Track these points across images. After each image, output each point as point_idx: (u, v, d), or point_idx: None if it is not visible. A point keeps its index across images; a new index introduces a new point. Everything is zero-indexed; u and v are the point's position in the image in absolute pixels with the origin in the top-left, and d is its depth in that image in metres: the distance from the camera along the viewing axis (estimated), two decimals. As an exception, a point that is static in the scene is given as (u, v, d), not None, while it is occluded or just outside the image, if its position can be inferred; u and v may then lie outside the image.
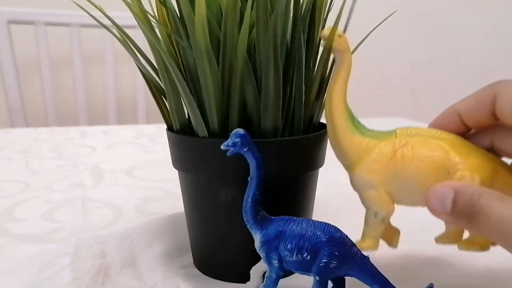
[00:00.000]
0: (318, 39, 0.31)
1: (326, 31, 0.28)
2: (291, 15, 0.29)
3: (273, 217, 0.26)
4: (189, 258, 0.34)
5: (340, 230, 0.25)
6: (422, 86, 1.63)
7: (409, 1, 1.50)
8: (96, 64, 1.25)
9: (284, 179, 0.29)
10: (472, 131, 0.29)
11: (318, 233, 0.25)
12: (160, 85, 0.32)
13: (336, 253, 0.25)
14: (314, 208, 0.33)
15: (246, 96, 0.28)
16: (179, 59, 0.30)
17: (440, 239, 0.29)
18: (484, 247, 0.27)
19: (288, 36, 0.29)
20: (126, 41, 0.30)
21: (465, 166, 0.26)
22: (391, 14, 0.31)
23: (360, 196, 0.28)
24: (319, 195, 0.33)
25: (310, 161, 0.30)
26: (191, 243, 0.34)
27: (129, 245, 0.36)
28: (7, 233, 0.40)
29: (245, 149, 0.25)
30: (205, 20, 0.25)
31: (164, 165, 0.63)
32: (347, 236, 0.25)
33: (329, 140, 0.29)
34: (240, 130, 0.25)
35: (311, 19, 0.30)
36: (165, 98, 0.32)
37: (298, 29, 0.28)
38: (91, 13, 0.32)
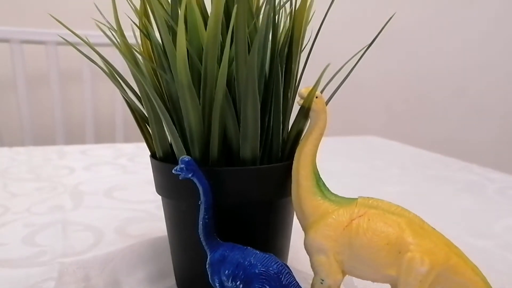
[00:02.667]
0: (295, 71, 0.33)
1: (303, 90, 0.29)
2: (269, 48, 0.31)
3: (222, 242, 0.28)
4: (171, 281, 0.35)
5: (283, 265, 0.25)
6: (397, 104, 1.68)
7: (384, 19, 1.56)
8: (73, 83, 1.25)
9: (262, 205, 0.31)
10: None
11: (255, 264, 0.25)
12: (143, 113, 0.33)
13: (267, 287, 0.25)
14: (292, 232, 0.34)
15: (226, 126, 0.29)
16: (163, 89, 0.32)
17: None
18: None
19: (267, 68, 0.31)
20: (112, 72, 0.32)
21: (417, 248, 0.26)
22: (367, 47, 0.33)
23: (310, 260, 0.28)
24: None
25: (288, 187, 0.31)
26: (174, 266, 0.35)
27: (112, 270, 0.37)
28: (-13, 258, 0.40)
29: (190, 175, 0.27)
30: (186, 58, 0.26)
31: (144, 186, 0.64)
32: (289, 273, 0.25)
33: (292, 198, 0.30)
34: (185, 157, 0.27)
35: (289, 51, 0.32)
36: (149, 126, 0.34)
37: (275, 62, 0.30)
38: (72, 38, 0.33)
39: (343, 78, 0.33)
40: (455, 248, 0.27)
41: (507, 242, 0.45)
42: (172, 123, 0.29)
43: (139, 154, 0.84)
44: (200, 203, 0.28)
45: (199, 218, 0.28)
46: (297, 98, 0.30)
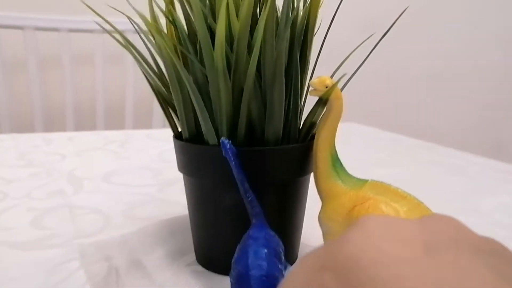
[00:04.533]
0: (309, 57, 0.35)
1: (315, 81, 0.31)
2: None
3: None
4: (192, 257, 0.37)
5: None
6: (370, 91, 1.73)
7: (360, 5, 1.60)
8: (52, 68, 1.22)
9: (283, 184, 0.33)
10: None
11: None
12: (167, 95, 0.35)
13: None
14: (309, 210, 0.36)
15: (252, 109, 0.31)
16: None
17: None
18: None
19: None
20: (135, 55, 0.33)
21: None
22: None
23: (322, 235, 0.31)
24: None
25: (305, 166, 0.34)
26: (194, 244, 0.36)
27: (130, 251, 0.38)
28: None
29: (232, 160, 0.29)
30: (224, 44, 0.28)
31: (141, 171, 0.64)
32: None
33: (313, 177, 0.32)
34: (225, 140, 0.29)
35: (304, 38, 0.34)
36: (170, 108, 0.35)
37: (295, 50, 0.32)
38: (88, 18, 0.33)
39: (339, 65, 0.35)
40: None
41: (496, 219, 0.49)
42: (204, 106, 0.30)
43: (128, 140, 0.84)
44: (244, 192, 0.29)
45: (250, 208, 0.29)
46: (310, 88, 0.32)
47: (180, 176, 0.35)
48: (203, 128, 0.31)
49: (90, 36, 1.16)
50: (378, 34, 0.35)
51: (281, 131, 0.32)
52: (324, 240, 0.32)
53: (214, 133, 0.31)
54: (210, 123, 0.31)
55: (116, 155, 0.74)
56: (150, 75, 0.34)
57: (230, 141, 0.29)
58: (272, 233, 0.28)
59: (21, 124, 1.18)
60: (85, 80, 1.23)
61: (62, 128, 1.19)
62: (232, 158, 0.29)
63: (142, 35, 0.34)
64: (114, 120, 1.23)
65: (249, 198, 0.29)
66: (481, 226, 0.46)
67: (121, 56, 1.20)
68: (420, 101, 1.76)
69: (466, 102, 1.83)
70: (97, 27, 1.14)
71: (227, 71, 0.29)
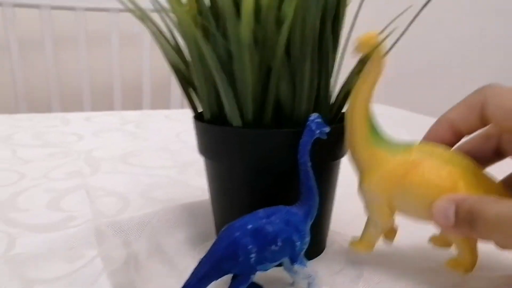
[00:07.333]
0: (340, 32, 0.32)
1: (362, 37, 0.28)
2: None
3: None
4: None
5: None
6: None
7: None
8: (68, 48, 1.21)
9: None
10: (464, 138, 0.30)
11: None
12: (186, 73, 0.32)
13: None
14: (337, 194, 0.34)
15: (280, 88, 0.29)
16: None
17: (433, 241, 0.31)
18: (467, 270, 0.28)
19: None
20: (153, 29, 0.31)
21: None
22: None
23: (365, 204, 0.30)
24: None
25: (339, 149, 0.31)
26: (216, 228, 0.35)
27: (150, 232, 0.37)
28: (16, 223, 0.40)
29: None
30: (252, 16, 0.26)
31: (159, 152, 0.63)
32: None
33: (346, 142, 0.30)
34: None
35: (336, 11, 0.31)
36: (190, 87, 0.33)
37: (326, 24, 0.30)
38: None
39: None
40: (506, 194, 0.27)
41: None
42: (228, 85, 0.28)
43: (146, 121, 0.83)
44: None
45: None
46: (354, 45, 0.29)
47: (198, 157, 0.33)
48: (227, 109, 0.29)
49: (106, 15, 1.14)
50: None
51: (312, 112, 0.30)
52: (367, 207, 0.30)
53: (238, 114, 0.29)
54: (235, 103, 0.29)
55: (133, 135, 0.73)
56: (168, 51, 0.32)
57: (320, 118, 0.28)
58: (293, 228, 0.27)
59: (38, 104, 1.17)
60: (101, 60, 1.21)
61: (80, 108, 1.18)
62: (315, 137, 0.28)
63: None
64: (132, 101, 1.22)
65: (309, 182, 0.28)
66: None
67: (138, 36, 1.18)
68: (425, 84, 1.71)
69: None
70: (113, 5, 1.12)
71: (253, 46, 0.27)
